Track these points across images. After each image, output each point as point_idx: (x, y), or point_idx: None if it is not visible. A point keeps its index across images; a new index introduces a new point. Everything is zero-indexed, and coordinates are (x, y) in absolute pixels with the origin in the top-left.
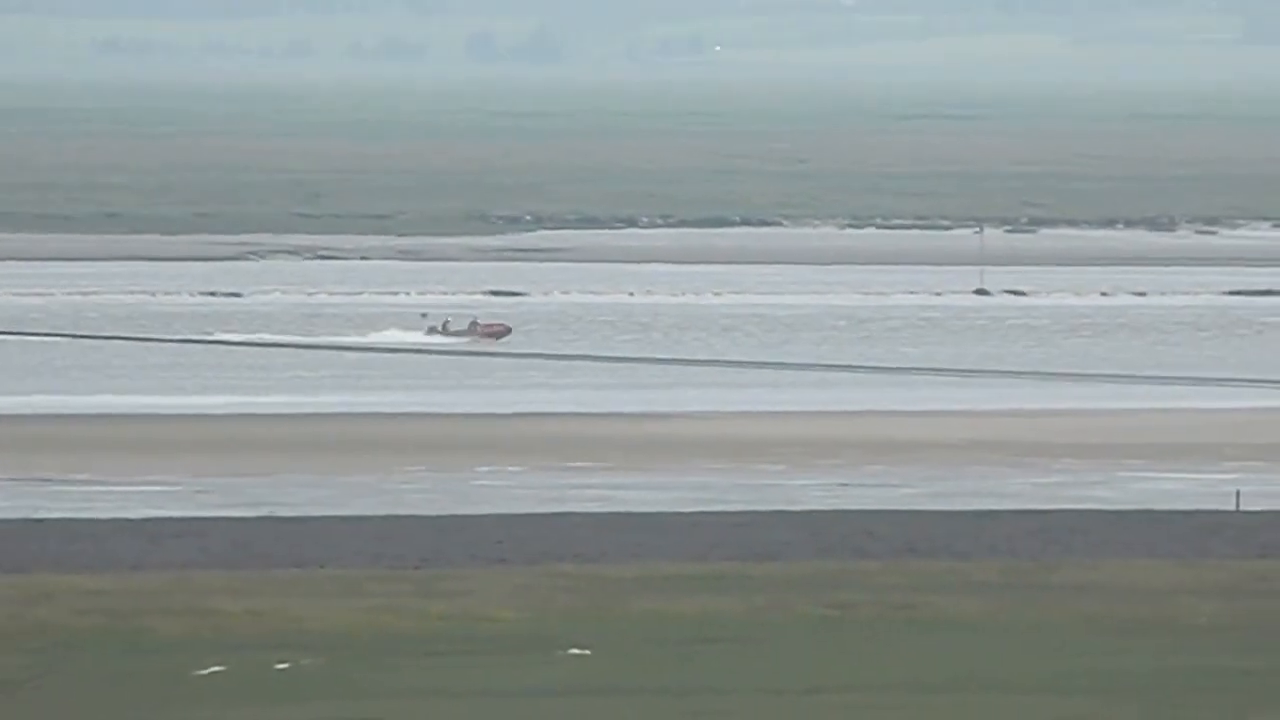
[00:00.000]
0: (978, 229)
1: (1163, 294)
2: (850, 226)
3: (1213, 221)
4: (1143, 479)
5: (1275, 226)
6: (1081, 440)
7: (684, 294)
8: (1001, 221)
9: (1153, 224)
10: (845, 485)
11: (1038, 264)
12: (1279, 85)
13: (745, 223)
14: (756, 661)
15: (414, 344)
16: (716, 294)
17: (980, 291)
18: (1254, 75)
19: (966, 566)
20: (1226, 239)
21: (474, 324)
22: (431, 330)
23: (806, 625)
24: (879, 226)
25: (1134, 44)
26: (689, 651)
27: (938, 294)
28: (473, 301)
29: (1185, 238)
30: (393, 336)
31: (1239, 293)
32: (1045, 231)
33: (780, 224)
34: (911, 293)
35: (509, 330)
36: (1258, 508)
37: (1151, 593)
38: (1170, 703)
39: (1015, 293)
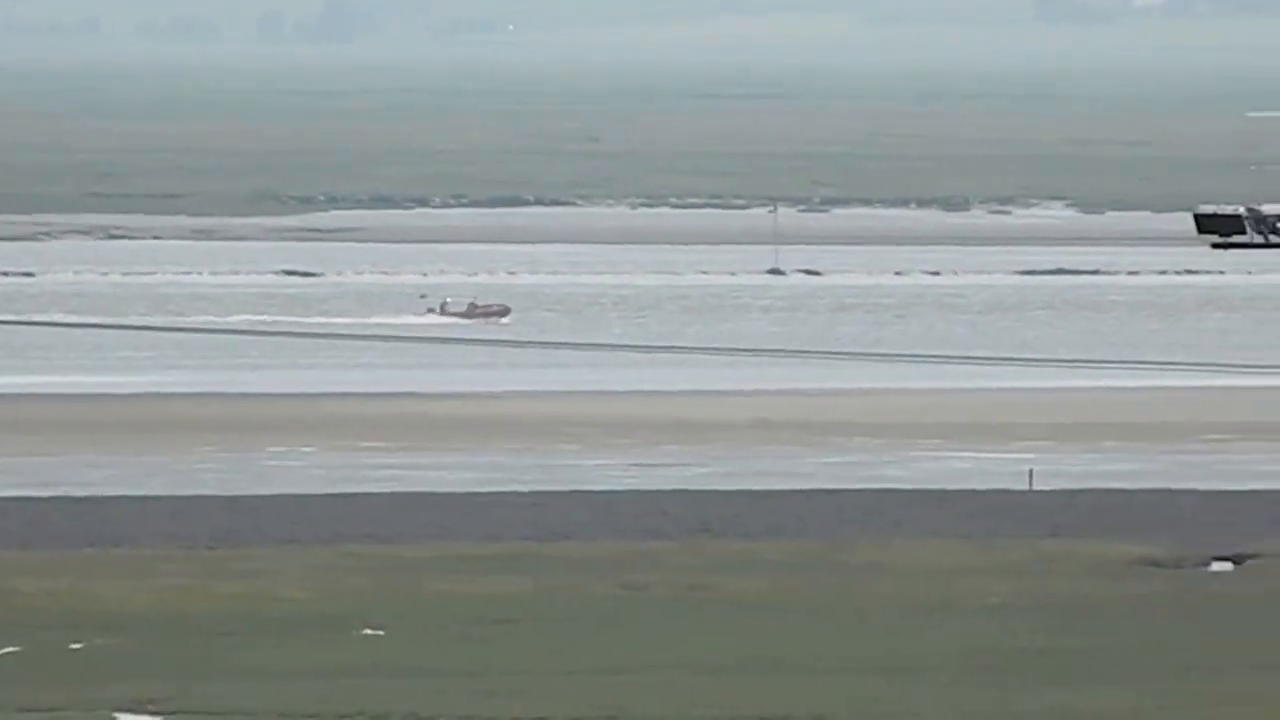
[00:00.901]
0: (771, 208)
1: (956, 273)
2: (644, 206)
3: (1006, 201)
4: (935, 459)
5: (1068, 206)
6: (874, 420)
7: (478, 274)
8: (795, 201)
9: (946, 203)
10: (639, 465)
11: (831, 243)
12: (1070, 64)
13: (539, 202)
14: (549, 641)
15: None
16: (511, 273)
17: (774, 271)
18: (1045, 54)
19: (759, 546)
20: (1019, 218)
21: (472, 305)
22: (430, 311)
23: (599, 605)
24: (673, 206)
25: (925, 23)
26: (482, 632)
27: (732, 273)
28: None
29: (979, 217)
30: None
31: (1032, 272)
32: (839, 211)
33: (574, 203)
34: (705, 272)
35: (508, 310)
36: (1050, 487)
37: (943, 572)
38: (961, 682)
39: (809, 272)
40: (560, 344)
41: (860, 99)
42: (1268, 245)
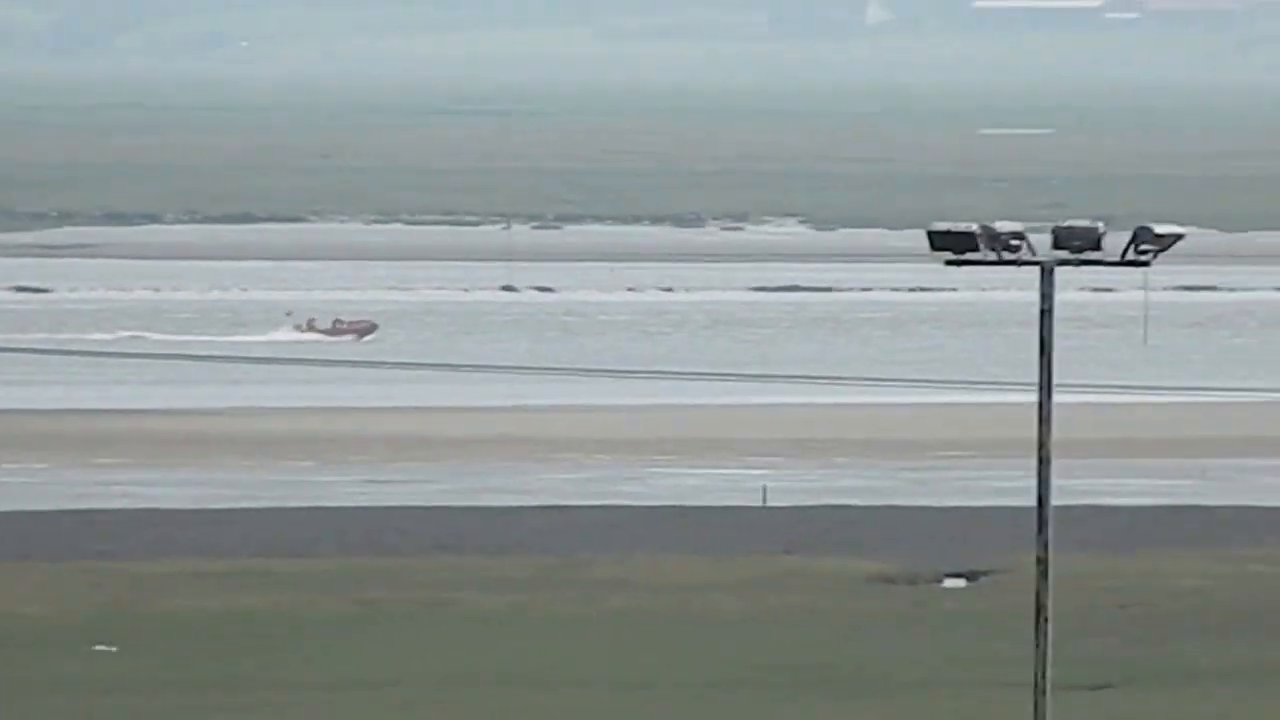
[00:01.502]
0: (504, 225)
1: (689, 290)
2: (376, 222)
3: (740, 218)
4: (671, 475)
5: (802, 223)
6: (610, 436)
7: (211, 290)
8: (528, 218)
9: (680, 220)
10: (373, 481)
11: (564, 260)
12: (804, 80)
13: (272, 219)
14: (282, 657)
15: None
16: (244, 290)
17: (507, 288)
18: (779, 70)
19: (497, 562)
20: (753, 235)
21: (337, 322)
22: (297, 328)
23: (334, 622)
24: (406, 222)
25: (663, 40)
26: (214, 648)
27: (465, 290)
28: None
29: (713, 234)
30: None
31: (765, 289)
32: (571, 228)
33: (307, 219)
34: (439, 288)
35: (375, 327)
36: (784, 504)
37: (681, 588)
38: (698, 697)
39: (542, 289)
40: (286, 360)
41: (596, 115)
42: (1001, 263)
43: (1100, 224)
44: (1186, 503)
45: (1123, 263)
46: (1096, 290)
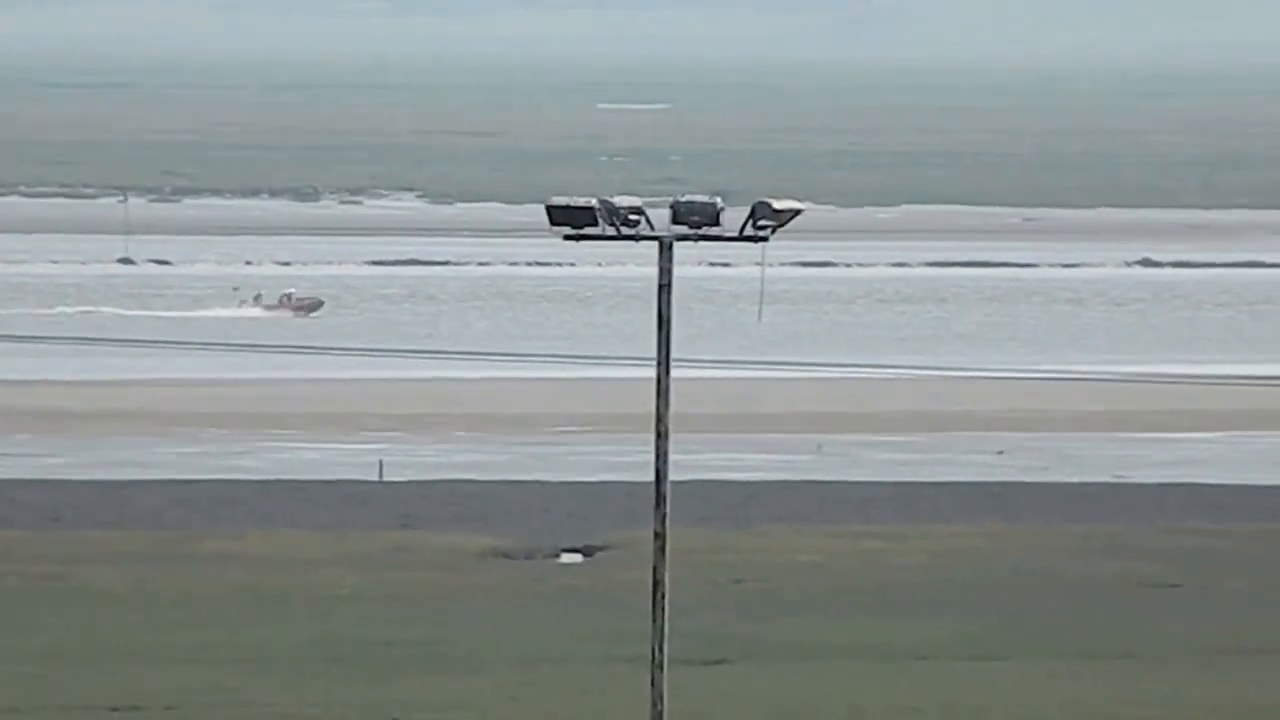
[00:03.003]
0: (122, 198)
1: (306, 264)
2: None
3: (357, 192)
4: (287, 449)
5: (419, 197)
6: (226, 410)
7: None
8: (146, 191)
9: (297, 194)
10: None
11: (183, 233)
12: (423, 55)
13: None
14: None
15: None
16: None
17: (125, 260)
18: (398, 44)
19: (114, 536)
20: (370, 209)
21: (285, 296)
22: (243, 304)
23: None
24: (24, 194)
25: (278, 14)
26: None
27: (83, 263)
28: (285, 274)
29: (330, 208)
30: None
31: (382, 262)
32: (190, 201)
33: None
34: (56, 262)
35: (321, 303)
36: (400, 478)
37: (296, 563)
38: (310, 673)
39: (160, 262)
40: None
41: (211, 89)
42: (620, 237)
43: (719, 199)
44: (802, 478)
45: (741, 238)
46: (714, 265)
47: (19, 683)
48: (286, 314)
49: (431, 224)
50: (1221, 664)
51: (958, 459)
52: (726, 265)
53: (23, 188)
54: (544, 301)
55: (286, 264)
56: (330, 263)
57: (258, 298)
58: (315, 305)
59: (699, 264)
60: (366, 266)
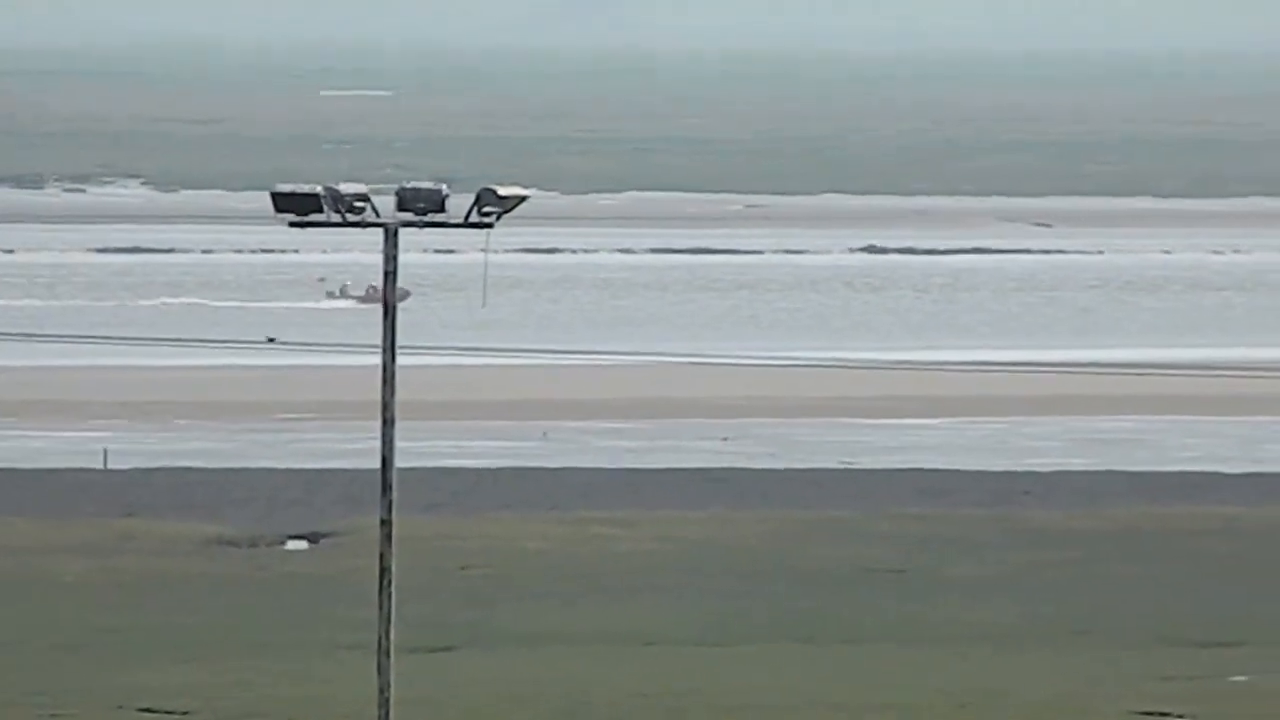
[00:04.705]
0: None
1: (30, 250)
2: None
3: (82, 179)
4: (11, 437)
5: (144, 184)
6: None
7: None
8: None
9: (20, 181)
10: None
11: None
12: (142, 40)
13: None
14: None
15: None
16: None
17: None
18: (120, 31)
19: None
20: (95, 196)
21: (371, 288)
22: (330, 295)
23: None
24: None
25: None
26: None
27: None
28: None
29: (54, 195)
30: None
31: (107, 249)
32: None
33: None
34: None
35: (407, 294)
36: (124, 465)
37: (21, 551)
38: (35, 660)
39: None
40: None
41: None
42: (345, 224)
43: (444, 186)
44: (529, 465)
45: (466, 224)
46: (440, 252)
47: None
48: (372, 305)
49: (158, 211)
50: (945, 648)
51: (685, 445)
52: (451, 252)
53: None
54: (270, 287)
55: (10, 252)
56: (55, 250)
57: (344, 288)
58: (403, 295)
59: (424, 250)
60: (90, 254)
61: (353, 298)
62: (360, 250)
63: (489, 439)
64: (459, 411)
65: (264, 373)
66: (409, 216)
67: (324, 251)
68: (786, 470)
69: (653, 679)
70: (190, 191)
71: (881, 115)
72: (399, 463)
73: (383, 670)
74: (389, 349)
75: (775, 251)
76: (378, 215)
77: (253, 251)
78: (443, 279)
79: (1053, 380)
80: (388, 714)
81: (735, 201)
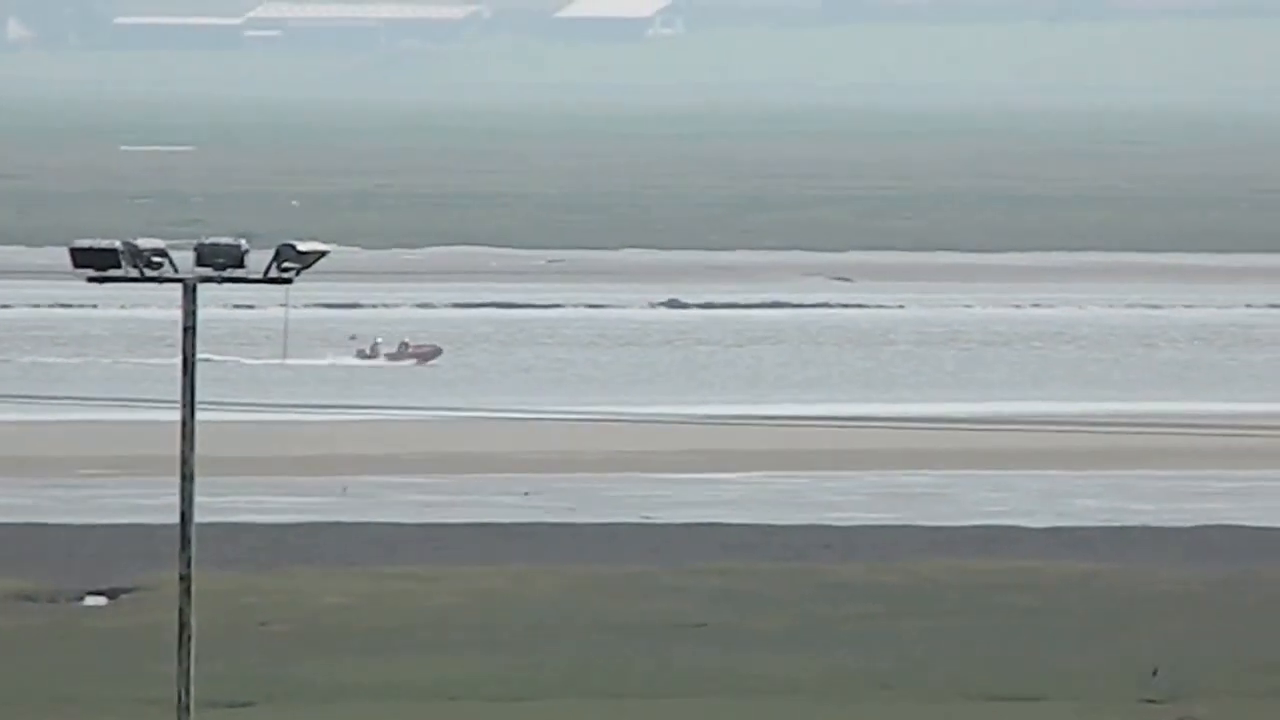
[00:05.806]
0: None
1: None
2: None
3: None
4: None
5: None
6: None
7: None
8: None
9: None
10: None
11: None
12: None
13: None
14: None
15: None
16: None
17: None
18: None
19: None
20: None
21: (403, 345)
22: (360, 354)
23: None
24: None
25: None
26: None
27: None
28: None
29: None
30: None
31: None
32: None
33: None
34: None
35: (439, 351)
36: None
37: None
38: None
39: None
40: None
41: None
42: (144, 279)
43: (243, 241)
44: (328, 520)
45: (266, 280)
46: (239, 308)
47: None
48: (408, 361)
49: None
50: (749, 700)
51: (485, 500)
52: (251, 308)
53: None
54: (67, 344)
55: None
56: None
57: (375, 346)
58: (435, 353)
59: (223, 306)
60: None
61: (385, 354)
62: (159, 306)
63: (289, 494)
64: (258, 467)
65: (63, 428)
66: (208, 272)
67: (122, 307)
68: (587, 525)
69: None
70: None
71: (688, 170)
72: (198, 518)
73: None
74: (188, 404)
75: (576, 305)
76: (176, 271)
77: (49, 307)
78: (242, 333)
79: (854, 435)
80: None
81: (538, 256)
